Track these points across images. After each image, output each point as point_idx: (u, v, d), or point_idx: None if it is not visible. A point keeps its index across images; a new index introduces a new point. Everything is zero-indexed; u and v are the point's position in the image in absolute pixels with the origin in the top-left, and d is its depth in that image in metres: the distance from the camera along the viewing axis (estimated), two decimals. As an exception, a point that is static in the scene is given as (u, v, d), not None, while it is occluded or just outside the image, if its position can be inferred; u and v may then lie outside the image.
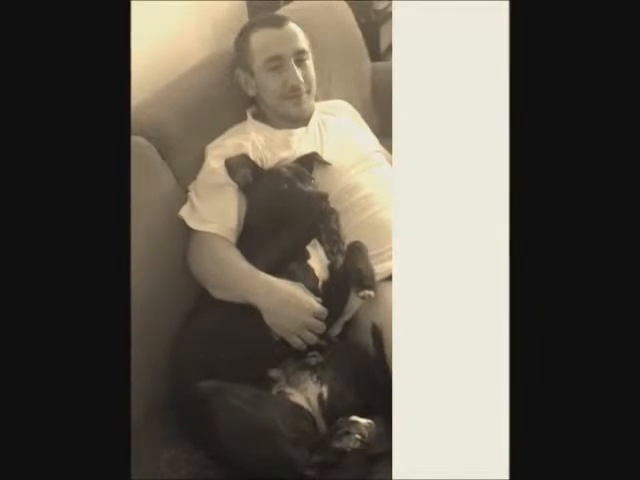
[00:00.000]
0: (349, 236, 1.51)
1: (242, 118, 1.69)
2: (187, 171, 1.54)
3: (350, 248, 1.46)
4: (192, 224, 1.47)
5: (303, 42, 1.66)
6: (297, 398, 1.31)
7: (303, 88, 1.64)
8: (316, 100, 1.73)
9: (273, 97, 1.64)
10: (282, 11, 1.97)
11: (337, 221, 1.54)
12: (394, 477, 0.84)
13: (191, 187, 1.53)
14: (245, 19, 2.20)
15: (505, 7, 0.81)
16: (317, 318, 1.36)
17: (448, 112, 0.86)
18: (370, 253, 1.45)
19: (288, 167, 1.52)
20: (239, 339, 1.36)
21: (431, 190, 0.86)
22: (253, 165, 1.52)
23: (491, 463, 0.81)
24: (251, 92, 1.68)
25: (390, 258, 1.43)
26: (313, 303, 1.37)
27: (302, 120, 1.67)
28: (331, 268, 1.47)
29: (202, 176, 1.54)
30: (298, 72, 1.62)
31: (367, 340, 1.37)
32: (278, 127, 1.66)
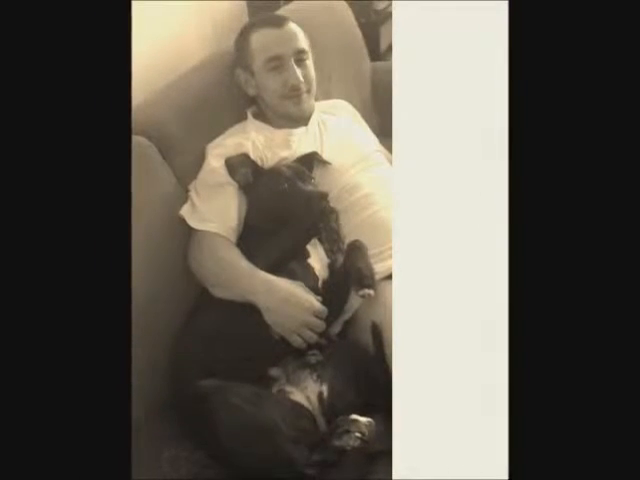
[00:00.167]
0: (349, 235, 1.51)
1: (242, 118, 1.69)
2: (187, 170, 1.54)
3: (350, 247, 1.46)
4: (192, 223, 1.47)
5: (303, 42, 1.66)
6: (297, 397, 1.31)
7: (303, 88, 1.64)
8: (316, 100, 1.73)
9: (273, 97, 1.64)
10: (282, 11, 1.97)
11: (337, 220, 1.54)
12: (394, 475, 0.85)
13: (191, 186, 1.53)
14: (245, 19, 2.20)
15: (504, 7, 0.82)
16: (317, 317, 1.37)
17: (448, 112, 0.86)
18: (370, 252, 1.45)
19: (288, 166, 1.52)
20: (239, 338, 1.36)
21: (431, 189, 0.86)
22: (253, 164, 1.52)
23: (490, 461, 0.82)
24: (251, 92, 1.69)
25: (390, 257, 1.43)
26: (313, 302, 1.37)
27: (302, 120, 1.67)
28: (331, 267, 1.47)
29: (202, 175, 1.54)
30: (298, 72, 1.62)
31: (367, 339, 1.38)
32: (278, 127, 1.66)
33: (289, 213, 1.45)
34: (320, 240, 1.50)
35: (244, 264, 1.41)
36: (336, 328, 1.44)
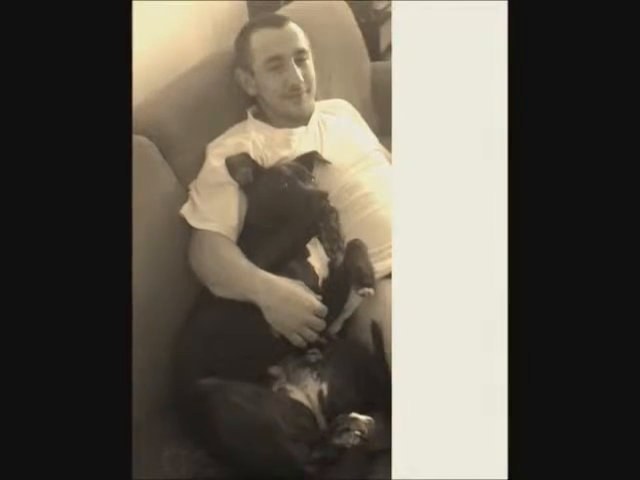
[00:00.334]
0: (349, 234, 1.51)
1: (242, 117, 1.69)
2: (188, 170, 1.54)
3: (350, 246, 1.46)
4: (193, 222, 1.48)
5: (303, 42, 1.67)
6: (297, 395, 1.31)
7: (303, 87, 1.64)
8: (316, 99, 1.73)
9: (273, 96, 1.65)
10: (282, 11, 1.97)
11: (337, 219, 1.54)
12: (393, 475, 0.85)
13: (192, 186, 1.54)
14: (245, 19, 2.20)
15: (503, 7, 0.82)
16: (317, 316, 1.37)
17: (447, 111, 0.86)
18: (370, 251, 1.46)
19: (288, 166, 1.53)
20: (239, 337, 1.37)
21: (430, 188, 0.86)
22: (253, 164, 1.52)
23: (490, 461, 0.82)
24: (251, 91, 1.69)
25: (390, 256, 1.43)
26: (313, 301, 1.38)
27: (302, 119, 1.68)
28: (331, 266, 1.47)
29: (203, 175, 1.54)
30: (298, 71, 1.62)
31: (367, 337, 1.38)
32: (278, 126, 1.66)
33: (289, 212, 1.45)
34: (320, 239, 1.50)
35: (244, 263, 1.41)
36: (336, 327, 1.45)
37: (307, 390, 1.32)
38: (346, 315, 1.46)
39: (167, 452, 1.26)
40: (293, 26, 1.67)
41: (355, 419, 1.23)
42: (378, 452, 1.21)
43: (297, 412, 1.28)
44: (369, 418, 1.23)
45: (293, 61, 1.63)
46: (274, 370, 1.34)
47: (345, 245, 1.49)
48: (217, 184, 1.51)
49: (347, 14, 2.28)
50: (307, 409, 1.30)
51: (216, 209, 1.48)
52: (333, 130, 1.70)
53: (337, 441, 1.21)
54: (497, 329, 0.81)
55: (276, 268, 1.40)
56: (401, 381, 0.85)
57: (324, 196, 1.46)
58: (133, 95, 0.99)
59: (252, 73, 1.66)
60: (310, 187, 1.48)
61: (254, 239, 1.46)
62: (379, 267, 1.44)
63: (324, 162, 1.59)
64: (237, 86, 1.70)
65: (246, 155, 1.53)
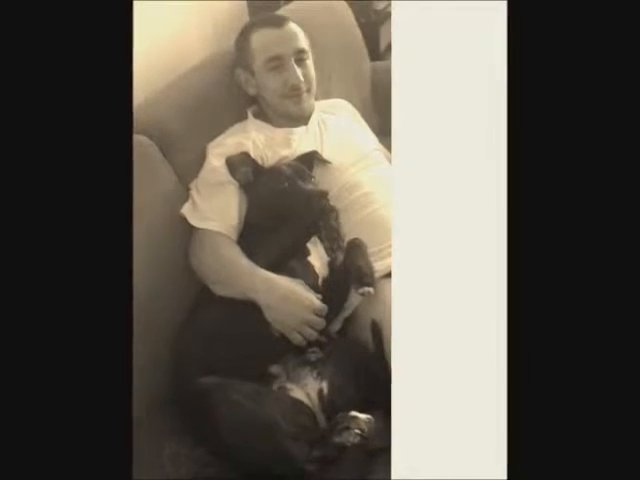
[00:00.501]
0: (349, 233, 1.52)
1: (243, 117, 1.69)
2: (188, 169, 1.55)
3: (350, 245, 1.47)
4: (193, 222, 1.48)
5: (303, 42, 1.67)
6: (297, 394, 1.32)
7: (303, 87, 1.64)
8: (316, 99, 1.73)
9: (274, 96, 1.65)
10: (282, 11, 1.97)
11: (337, 219, 1.54)
12: (393, 475, 0.85)
13: (192, 185, 1.54)
14: (245, 19, 2.20)
15: (503, 7, 0.82)
16: (317, 315, 1.37)
17: (447, 111, 0.86)
18: (370, 250, 1.46)
19: (288, 165, 1.53)
20: (239, 335, 1.37)
21: (430, 188, 0.86)
22: (254, 163, 1.52)
23: (489, 461, 0.82)
24: (251, 91, 1.69)
25: (389, 255, 1.44)
26: (313, 300, 1.38)
27: (302, 119, 1.68)
28: (331, 265, 1.47)
29: (203, 174, 1.54)
30: (298, 71, 1.62)
31: (367, 336, 1.38)
32: (278, 126, 1.66)
33: (289, 211, 1.45)
34: (320, 238, 1.50)
35: (244, 262, 1.42)
36: (336, 326, 1.45)
37: (307, 389, 1.32)
38: (346, 314, 1.46)
39: (167, 450, 1.26)
40: (293, 26, 1.67)
41: (355, 417, 1.23)
42: (378, 450, 1.21)
43: (297, 410, 1.28)
44: (369, 416, 1.23)
45: (293, 61, 1.63)
46: (274, 369, 1.35)
47: (345, 244, 1.49)
48: (217, 183, 1.51)
49: (347, 14, 2.28)
50: (307, 407, 1.30)
51: (216, 208, 1.48)
52: (333, 130, 1.70)
53: (337, 439, 1.21)
54: (497, 328, 0.81)
55: (276, 267, 1.41)
56: (401, 380, 0.86)
57: (324, 195, 1.46)
58: (133, 95, 0.99)
59: (252, 73, 1.66)
60: (310, 186, 1.48)
61: (254, 238, 1.46)
62: (379, 266, 1.44)
63: (324, 162, 1.60)
64: (237, 86, 1.70)
65: (246, 154, 1.53)
